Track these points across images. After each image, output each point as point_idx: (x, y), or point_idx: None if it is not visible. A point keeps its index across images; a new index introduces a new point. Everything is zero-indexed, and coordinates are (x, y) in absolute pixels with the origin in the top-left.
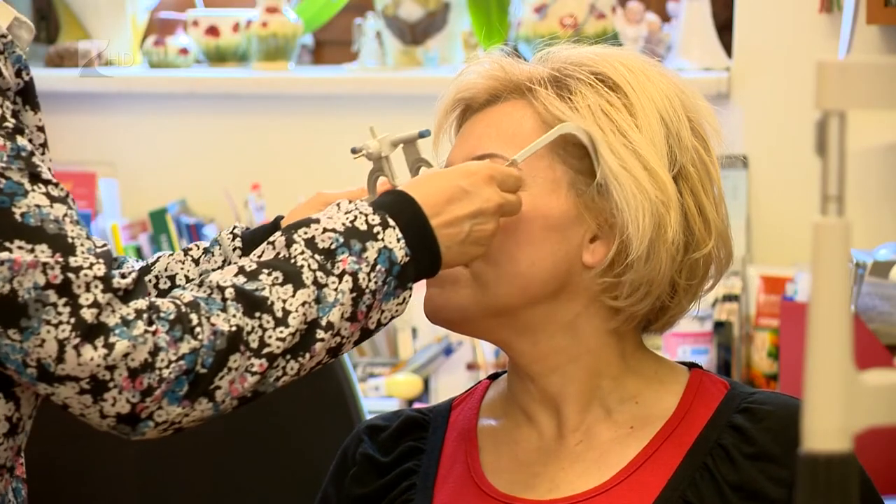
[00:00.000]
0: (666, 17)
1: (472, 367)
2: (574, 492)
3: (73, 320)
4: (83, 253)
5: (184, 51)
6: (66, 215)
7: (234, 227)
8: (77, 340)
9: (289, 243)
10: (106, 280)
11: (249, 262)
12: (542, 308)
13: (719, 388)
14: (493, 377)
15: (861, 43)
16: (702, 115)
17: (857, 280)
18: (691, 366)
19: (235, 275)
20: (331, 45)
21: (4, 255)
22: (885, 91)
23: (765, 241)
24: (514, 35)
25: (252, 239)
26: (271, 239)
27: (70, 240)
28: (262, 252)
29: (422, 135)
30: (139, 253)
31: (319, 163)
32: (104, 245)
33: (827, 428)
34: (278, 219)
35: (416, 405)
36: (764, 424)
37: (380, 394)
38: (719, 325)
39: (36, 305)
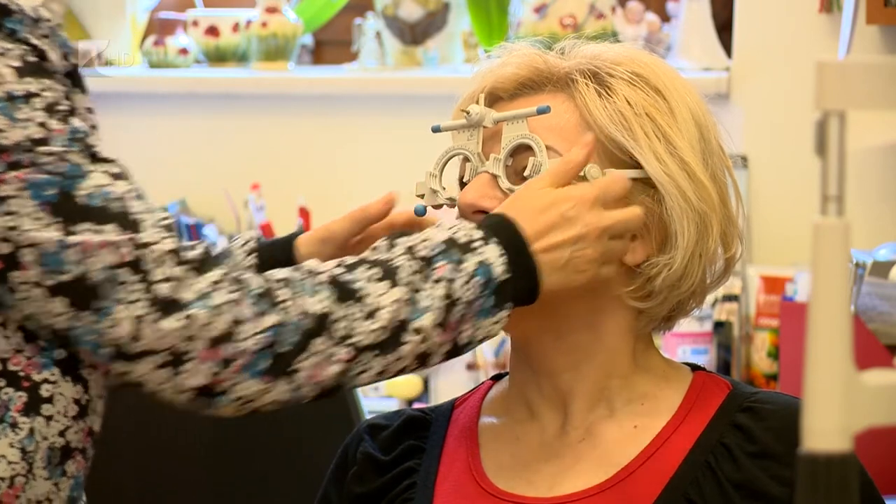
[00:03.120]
0: (666, 17)
1: (472, 367)
2: (575, 489)
3: (148, 296)
4: (151, 227)
5: (184, 51)
6: (128, 191)
7: (247, 243)
8: (155, 315)
9: (391, 246)
10: (177, 253)
11: (351, 258)
12: (573, 304)
13: (722, 388)
14: (497, 378)
15: (861, 43)
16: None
17: (857, 280)
18: (694, 367)
19: (336, 266)
20: (331, 45)
21: (72, 238)
22: (885, 91)
23: (765, 241)
24: (513, 35)
25: (270, 256)
26: (374, 245)
27: (136, 216)
28: (364, 253)
29: (541, 111)
30: None
31: (319, 163)
32: (168, 216)
33: (827, 428)
34: (297, 233)
35: (416, 405)
36: (767, 423)
37: (380, 394)
38: (719, 325)
39: (108, 285)
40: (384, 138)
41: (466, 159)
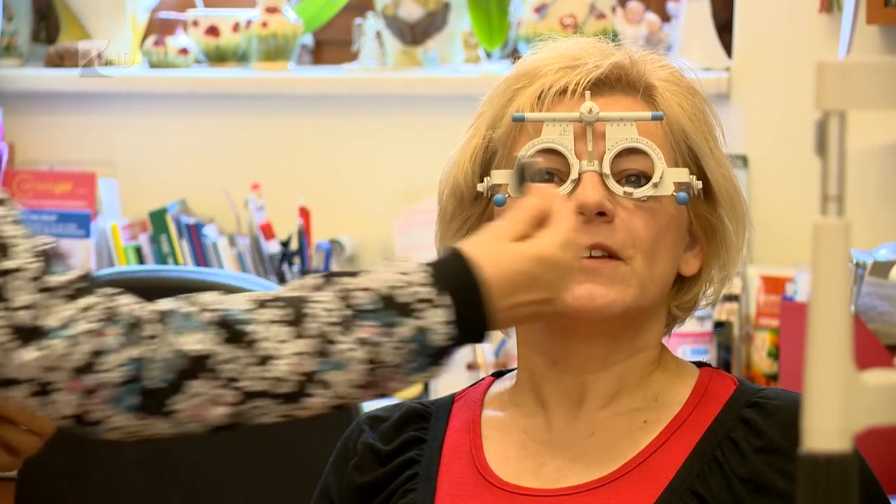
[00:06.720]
0: (666, 17)
1: (472, 367)
2: (582, 481)
3: (8, 324)
4: (20, 254)
5: (184, 51)
6: (2, 217)
7: None
8: (14, 344)
9: (319, 287)
10: (40, 279)
11: (272, 293)
12: (639, 315)
13: (728, 384)
14: (497, 375)
15: (861, 43)
16: None
17: (857, 280)
18: (699, 364)
19: (246, 300)
20: (331, 45)
21: None
22: (885, 91)
23: (765, 241)
24: (514, 35)
25: None
26: (306, 279)
27: (6, 241)
28: (291, 287)
29: (655, 117)
30: (139, 253)
31: (319, 163)
32: (48, 243)
33: (827, 428)
34: None
35: None
36: (774, 419)
37: None
38: (719, 325)
39: None
40: (384, 138)
41: (552, 152)
